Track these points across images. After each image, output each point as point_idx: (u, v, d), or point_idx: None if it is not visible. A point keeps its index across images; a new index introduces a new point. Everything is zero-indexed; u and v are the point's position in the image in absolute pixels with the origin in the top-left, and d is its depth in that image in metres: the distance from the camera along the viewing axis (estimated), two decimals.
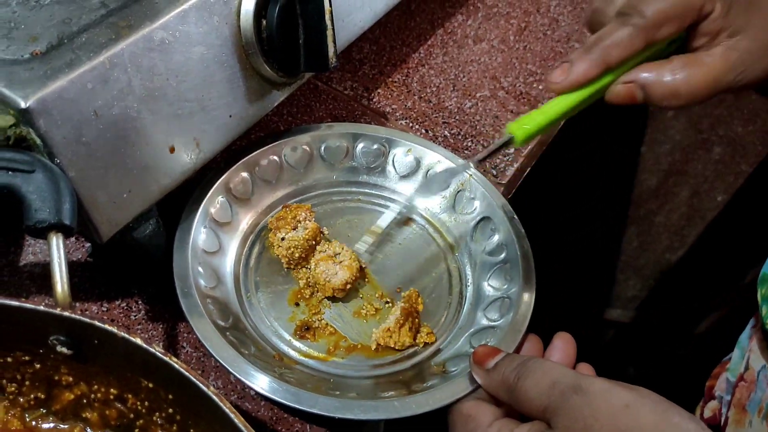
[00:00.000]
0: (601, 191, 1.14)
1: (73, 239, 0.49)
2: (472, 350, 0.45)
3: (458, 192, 0.55)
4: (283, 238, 0.50)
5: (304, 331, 0.47)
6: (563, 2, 0.76)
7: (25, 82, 0.37)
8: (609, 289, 1.23)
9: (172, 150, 0.45)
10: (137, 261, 0.46)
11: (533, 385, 0.38)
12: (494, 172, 0.59)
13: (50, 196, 0.36)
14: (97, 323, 0.33)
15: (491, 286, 0.51)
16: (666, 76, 0.42)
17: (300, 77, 0.53)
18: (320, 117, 0.61)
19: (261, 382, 0.41)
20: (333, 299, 0.49)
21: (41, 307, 0.33)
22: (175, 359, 0.33)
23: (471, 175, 0.54)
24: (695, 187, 1.07)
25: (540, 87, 0.67)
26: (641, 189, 1.11)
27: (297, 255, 0.49)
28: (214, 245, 0.49)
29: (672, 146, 1.05)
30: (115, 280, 0.47)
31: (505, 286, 0.50)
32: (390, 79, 0.65)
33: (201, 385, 0.32)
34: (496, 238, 0.52)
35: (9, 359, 0.37)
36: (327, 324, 0.48)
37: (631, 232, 1.17)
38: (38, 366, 0.37)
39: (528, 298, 0.48)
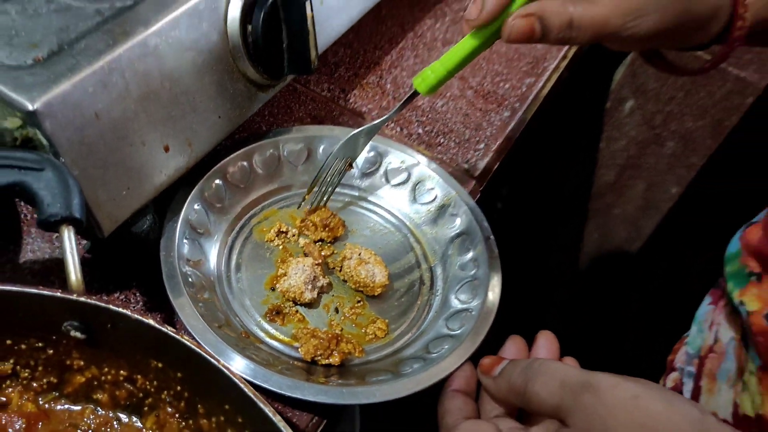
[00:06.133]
0: (563, 186, 1.20)
1: None
2: (428, 355, 0.48)
3: (442, 206, 0.57)
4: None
5: (275, 315, 0.50)
6: None
7: (30, 86, 0.40)
8: (572, 279, 1.29)
9: (166, 149, 0.48)
10: (135, 255, 0.48)
11: (543, 387, 0.41)
12: (466, 166, 0.63)
13: (60, 192, 0.38)
14: (111, 307, 0.36)
15: (458, 299, 0.53)
16: (564, 8, 0.43)
17: (283, 80, 0.56)
18: (300, 117, 0.64)
19: (226, 356, 0.43)
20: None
21: (58, 293, 0.36)
22: (187, 337, 0.36)
23: (458, 193, 0.57)
24: (650, 179, 1.13)
25: (507, 86, 0.71)
26: (600, 183, 1.16)
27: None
28: (204, 223, 0.52)
29: (627, 142, 1.11)
30: (113, 274, 0.49)
31: (471, 301, 0.52)
32: (365, 81, 0.69)
33: (211, 359, 0.35)
34: (470, 254, 0.55)
35: (23, 346, 0.39)
36: (297, 311, 0.51)
37: (592, 225, 1.23)
38: (51, 351, 0.39)
39: (488, 312, 0.50)
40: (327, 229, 0.55)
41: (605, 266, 1.23)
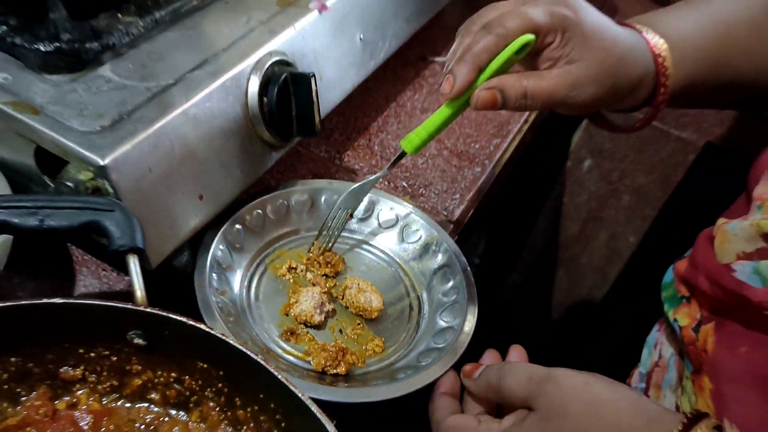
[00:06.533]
0: (534, 238, 1.31)
1: (114, 275, 0.61)
2: (419, 364, 0.58)
3: (426, 245, 0.68)
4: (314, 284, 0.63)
5: (289, 335, 0.59)
6: None
7: (100, 147, 0.50)
8: (546, 326, 1.39)
9: (200, 198, 0.58)
10: (174, 285, 0.58)
11: (514, 382, 0.51)
12: (445, 213, 0.74)
13: (126, 228, 0.48)
14: (171, 315, 0.45)
15: (442, 320, 0.63)
16: (519, 82, 0.54)
17: (291, 141, 0.67)
18: (303, 174, 0.75)
19: None
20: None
21: (129, 306, 0.45)
22: (232, 338, 0.45)
23: (439, 234, 0.68)
24: (611, 230, 1.25)
25: (477, 146, 0.83)
26: (567, 234, 1.28)
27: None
28: (227, 260, 0.62)
29: (588, 196, 1.23)
30: (154, 303, 0.59)
31: (453, 321, 0.62)
32: (356, 143, 0.81)
33: (250, 353, 0.45)
34: (450, 283, 0.65)
35: (92, 354, 0.48)
36: (307, 332, 0.60)
37: (561, 273, 1.34)
38: (114, 359, 0.48)
39: (468, 329, 0.60)
40: (329, 265, 0.65)
41: (574, 310, 1.33)
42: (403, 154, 0.60)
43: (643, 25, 0.60)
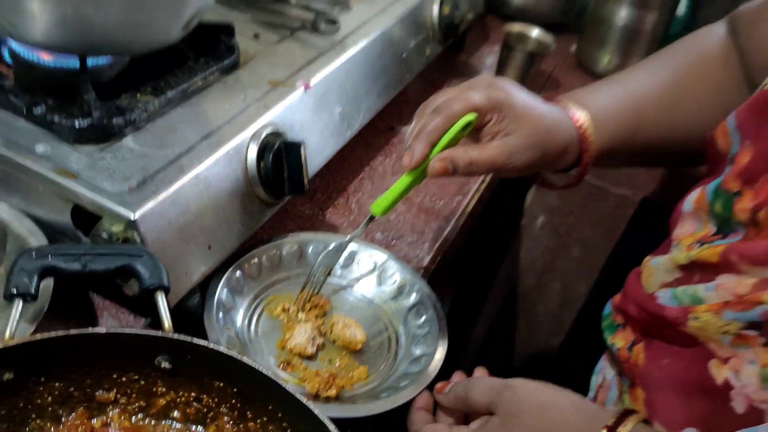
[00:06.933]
0: (494, 289, 1.42)
1: (131, 317, 0.69)
2: (398, 385, 0.67)
3: (401, 286, 0.79)
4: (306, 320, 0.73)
5: (286, 365, 0.68)
6: None
7: (130, 203, 0.60)
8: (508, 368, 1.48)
9: (209, 247, 0.68)
10: (186, 323, 0.67)
11: (478, 392, 0.61)
12: (416, 260, 0.85)
13: (154, 270, 0.58)
14: (194, 340, 0.54)
15: (418, 350, 0.73)
16: (466, 152, 0.64)
17: (283, 200, 0.78)
18: (291, 229, 0.85)
19: None
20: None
21: (159, 333, 0.54)
22: (246, 357, 0.54)
23: (412, 276, 0.79)
24: (564, 280, 1.37)
25: (441, 203, 0.95)
26: (524, 285, 1.40)
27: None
28: (230, 302, 0.71)
29: (542, 250, 1.36)
30: None
31: (427, 349, 0.72)
32: (336, 202, 0.92)
33: (263, 370, 0.54)
34: (423, 317, 0.76)
35: (124, 378, 0.56)
36: (301, 362, 0.69)
37: (521, 323, 1.45)
38: (142, 382, 0.57)
39: (440, 356, 0.70)
40: (317, 307, 0.75)
41: (534, 358, 1.44)
42: (372, 218, 0.70)
43: (569, 100, 0.74)
